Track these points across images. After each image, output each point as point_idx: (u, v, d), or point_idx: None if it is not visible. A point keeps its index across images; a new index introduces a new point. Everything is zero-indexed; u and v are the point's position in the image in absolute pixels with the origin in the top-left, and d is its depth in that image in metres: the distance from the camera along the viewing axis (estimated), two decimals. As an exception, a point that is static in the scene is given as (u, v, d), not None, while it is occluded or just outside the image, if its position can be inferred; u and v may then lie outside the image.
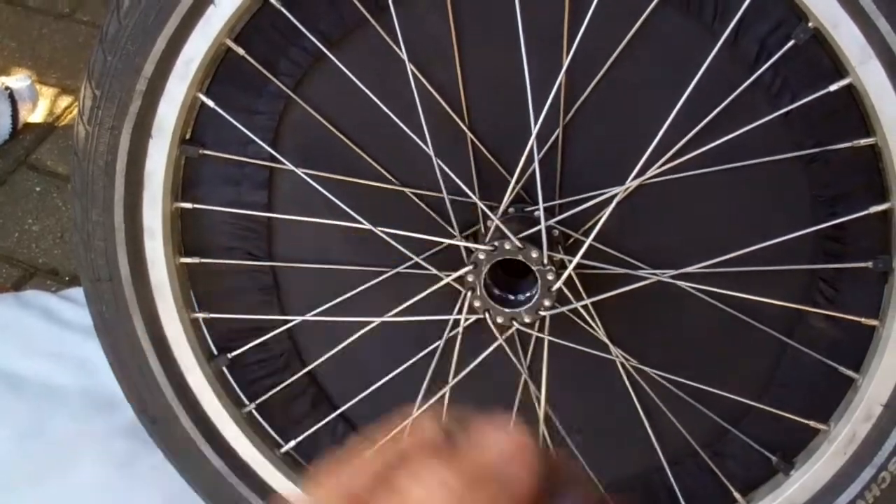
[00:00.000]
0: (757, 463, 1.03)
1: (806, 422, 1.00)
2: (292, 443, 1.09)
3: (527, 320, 0.95)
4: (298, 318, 1.03)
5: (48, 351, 1.38)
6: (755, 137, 0.90)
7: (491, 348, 1.00)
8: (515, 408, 1.05)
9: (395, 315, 1.00)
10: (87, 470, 1.27)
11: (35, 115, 1.75)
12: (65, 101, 1.80)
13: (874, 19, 0.82)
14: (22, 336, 1.37)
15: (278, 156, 0.97)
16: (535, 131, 0.90)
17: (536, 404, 1.03)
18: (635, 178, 0.91)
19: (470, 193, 0.94)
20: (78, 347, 1.35)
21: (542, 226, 0.91)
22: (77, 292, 1.46)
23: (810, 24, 0.84)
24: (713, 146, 0.90)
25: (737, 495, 1.04)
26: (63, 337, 1.39)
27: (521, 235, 0.92)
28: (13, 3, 1.98)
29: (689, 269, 0.95)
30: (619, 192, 0.92)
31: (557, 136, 0.95)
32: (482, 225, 0.97)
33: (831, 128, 0.89)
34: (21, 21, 1.94)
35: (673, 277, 0.96)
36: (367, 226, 0.95)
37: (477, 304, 0.95)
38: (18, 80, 1.74)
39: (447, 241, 0.96)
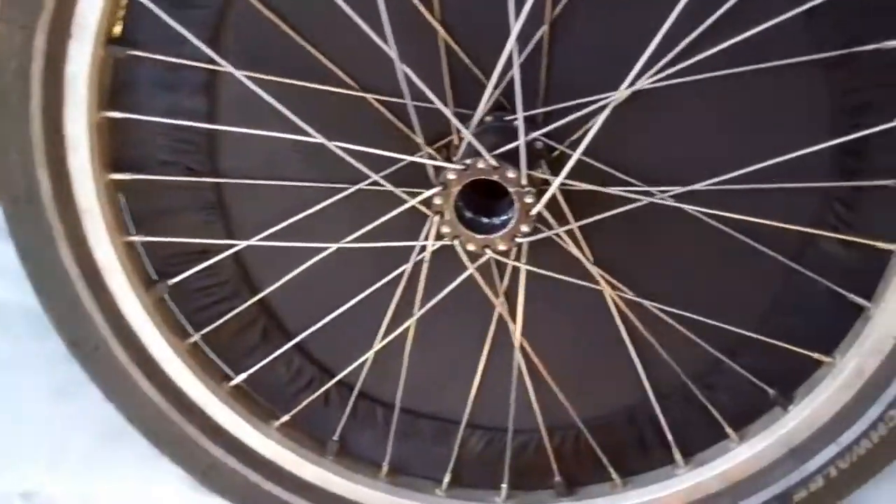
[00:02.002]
0: (752, 396, 0.95)
1: (809, 353, 0.91)
2: (243, 375, 0.98)
3: (501, 248, 0.84)
4: (244, 243, 0.92)
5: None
6: (768, 39, 0.77)
7: (461, 278, 0.90)
8: (489, 342, 0.95)
9: (354, 241, 0.88)
10: (27, 398, 1.17)
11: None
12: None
13: None
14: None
15: (216, 56, 0.83)
16: (516, 28, 0.77)
17: (516, 338, 0.93)
18: (632, 83, 0.79)
19: (434, 99, 0.81)
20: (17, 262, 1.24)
21: (522, 141, 0.79)
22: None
23: None
24: (721, 48, 0.78)
25: (729, 430, 0.95)
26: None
27: (495, 152, 0.80)
28: None
29: (692, 188, 0.83)
30: (614, 98, 0.80)
31: (543, 35, 0.83)
32: (455, 137, 0.85)
33: (857, 27, 0.78)
34: None
35: (674, 197, 0.85)
36: (320, 138, 0.83)
37: (445, 229, 0.84)
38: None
39: (409, 158, 0.84)
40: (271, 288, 0.95)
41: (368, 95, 0.86)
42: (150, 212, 0.93)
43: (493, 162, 0.80)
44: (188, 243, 0.94)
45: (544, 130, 0.84)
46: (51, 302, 0.92)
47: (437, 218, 0.84)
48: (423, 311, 0.92)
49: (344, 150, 0.82)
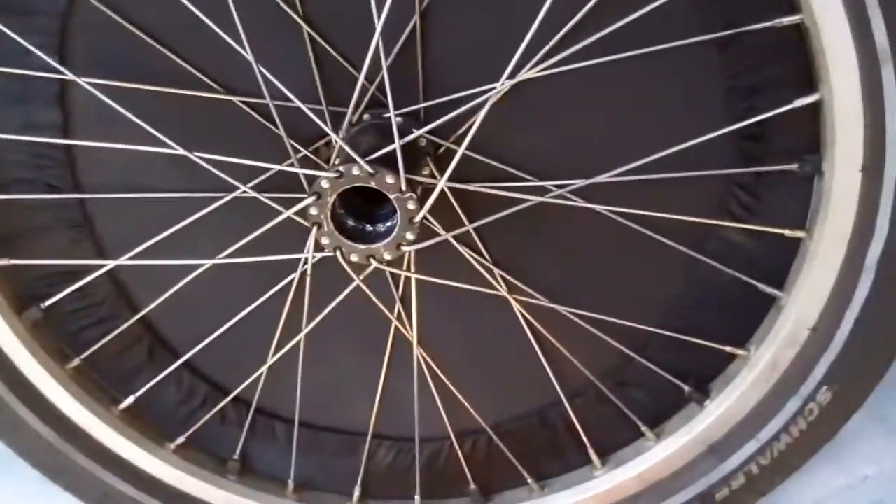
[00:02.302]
0: (668, 393, 0.90)
1: (721, 347, 0.87)
2: (131, 398, 0.92)
3: (387, 257, 0.78)
4: (112, 263, 0.85)
5: None
6: (655, 20, 0.72)
7: (346, 290, 0.84)
8: (388, 352, 0.89)
9: (232, 255, 0.82)
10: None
11: None
12: None
13: None
14: None
15: (57, 65, 0.76)
16: (380, 21, 0.70)
17: (414, 348, 0.88)
18: (512, 74, 0.73)
19: (290, 96, 0.75)
20: None
21: (397, 144, 0.73)
22: None
23: None
24: (605, 33, 0.72)
25: (644, 429, 0.91)
26: None
27: (370, 158, 0.74)
28: None
29: (586, 182, 0.78)
30: (496, 90, 0.74)
31: (415, 25, 0.76)
32: (334, 139, 0.79)
33: (749, 4, 0.72)
34: None
35: (568, 193, 0.79)
36: (179, 150, 0.76)
37: (325, 240, 0.78)
38: None
39: (276, 167, 0.78)
40: (151, 306, 0.89)
41: (236, 98, 0.80)
42: (13, 233, 0.86)
43: (368, 168, 0.74)
44: (57, 264, 0.87)
45: (426, 129, 0.78)
46: None
47: (315, 229, 0.78)
48: (311, 325, 0.87)
49: (206, 160, 0.76)
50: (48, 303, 0.88)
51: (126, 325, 0.90)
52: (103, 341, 0.90)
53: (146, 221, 0.84)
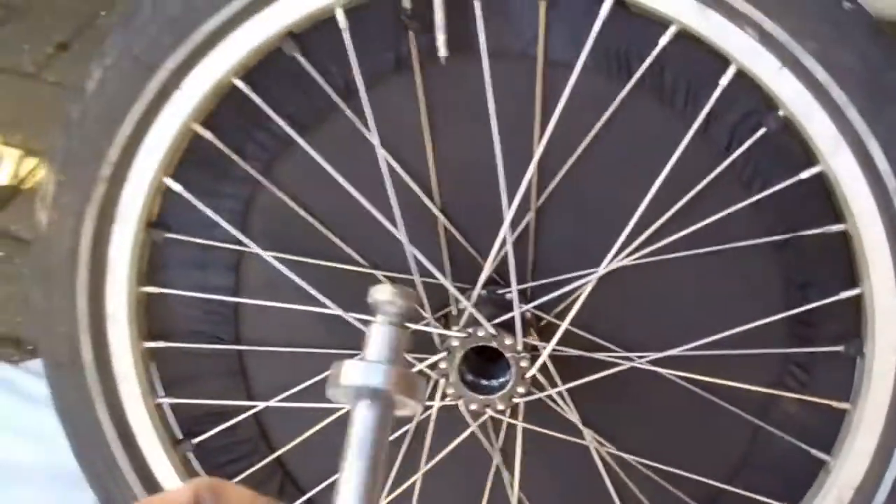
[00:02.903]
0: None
1: (778, 504, 1.00)
2: (260, 529, 1.06)
3: (500, 407, 0.94)
4: (262, 405, 1.01)
5: (10, 426, 1.35)
6: (728, 223, 0.89)
7: (464, 435, 0.99)
8: (487, 492, 1.03)
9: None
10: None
11: (-1, 177, 1.73)
12: (29, 163, 1.77)
13: (844, 109, 0.83)
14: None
15: (245, 239, 0.95)
16: (508, 217, 0.89)
17: (509, 490, 1.01)
18: (610, 261, 0.91)
19: (440, 276, 0.93)
20: (39, 423, 1.32)
21: (517, 312, 0.90)
22: (39, 364, 1.43)
23: (781, 113, 0.85)
24: (685, 233, 0.90)
25: (711, 579, 1.03)
26: (25, 411, 1.36)
27: (495, 322, 0.91)
28: (-24, 62, 1.96)
29: (664, 354, 0.94)
30: (596, 275, 0.91)
31: (530, 220, 0.95)
32: (454, 307, 0.96)
33: (803, 214, 0.90)
34: (-16, 80, 1.92)
35: (649, 362, 0.95)
36: (337, 311, 0.94)
37: (450, 391, 0.94)
38: (-19, 142, 1.72)
39: (415, 327, 0.94)
40: (287, 447, 1.04)
41: (378, 273, 0.98)
42: (179, 376, 1.03)
43: (492, 330, 0.91)
44: (211, 405, 1.03)
45: (536, 303, 0.95)
46: (87, 461, 1.01)
47: (442, 380, 0.94)
48: (430, 465, 1.01)
49: (358, 320, 0.93)
50: (200, 438, 1.03)
51: (263, 463, 1.05)
52: (242, 475, 1.05)
53: (291, 371, 1.01)
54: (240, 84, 0.89)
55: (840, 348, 0.93)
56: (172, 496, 0.47)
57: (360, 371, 0.43)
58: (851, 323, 0.92)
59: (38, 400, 1.36)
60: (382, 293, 0.50)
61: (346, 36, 0.86)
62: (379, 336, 0.48)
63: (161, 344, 1.00)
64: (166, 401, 1.02)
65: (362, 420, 0.34)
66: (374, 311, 0.43)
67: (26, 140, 1.80)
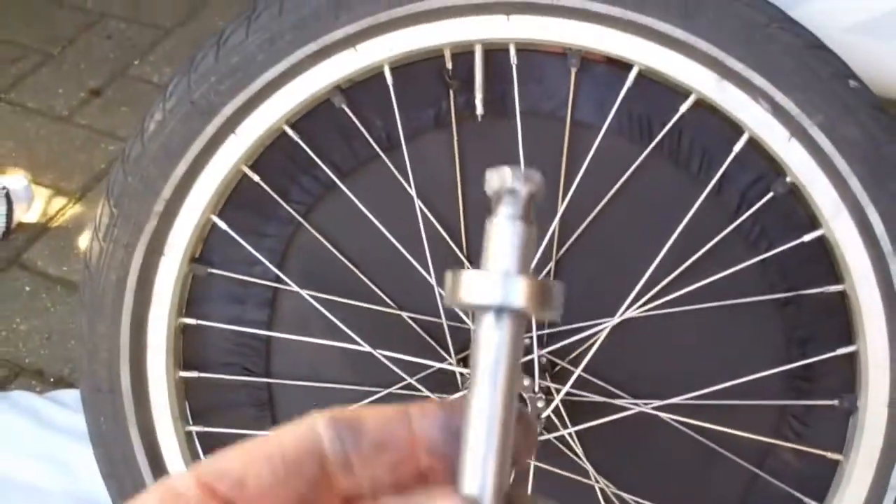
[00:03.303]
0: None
1: (774, 551, 1.05)
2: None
3: (514, 445, 0.99)
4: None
5: (34, 453, 1.39)
6: (734, 279, 0.96)
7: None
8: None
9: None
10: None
11: (29, 214, 1.78)
12: (59, 202, 1.83)
13: (846, 177, 0.90)
14: (9, 437, 1.38)
15: (284, 278, 1.01)
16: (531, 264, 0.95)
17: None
18: (624, 312, 0.97)
19: (466, 319, 1.00)
20: (63, 451, 1.37)
21: (535, 355, 0.97)
22: (63, 394, 1.49)
23: (788, 179, 0.92)
24: (693, 288, 0.97)
25: None
26: (49, 440, 1.41)
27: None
28: (12, 103, 2.03)
29: (669, 402, 1.00)
30: (610, 323, 0.98)
31: (550, 270, 1.01)
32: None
33: (804, 274, 0.97)
34: (19, 121, 1.99)
35: (655, 409, 1.01)
36: (367, 348, 1.00)
37: (468, 427, 0.99)
38: (15, 181, 1.78)
39: (438, 365, 1.01)
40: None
41: (405, 314, 1.04)
42: (210, 406, 1.08)
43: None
44: (240, 434, 1.09)
45: (552, 348, 1.02)
46: (117, 484, 1.06)
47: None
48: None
49: (385, 356, 0.99)
50: (227, 465, 1.08)
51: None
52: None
53: (318, 404, 1.06)
54: (289, 131, 0.96)
55: (835, 402, 0.99)
56: (288, 437, 0.32)
57: (487, 285, 0.30)
58: (846, 378, 0.99)
59: (61, 429, 1.41)
60: (501, 178, 0.36)
61: (392, 92, 0.93)
62: (503, 236, 0.33)
63: (194, 374, 1.06)
64: (195, 429, 1.08)
65: (489, 341, 0.26)
66: (494, 203, 0.31)
67: (57, 180, 1.87)
